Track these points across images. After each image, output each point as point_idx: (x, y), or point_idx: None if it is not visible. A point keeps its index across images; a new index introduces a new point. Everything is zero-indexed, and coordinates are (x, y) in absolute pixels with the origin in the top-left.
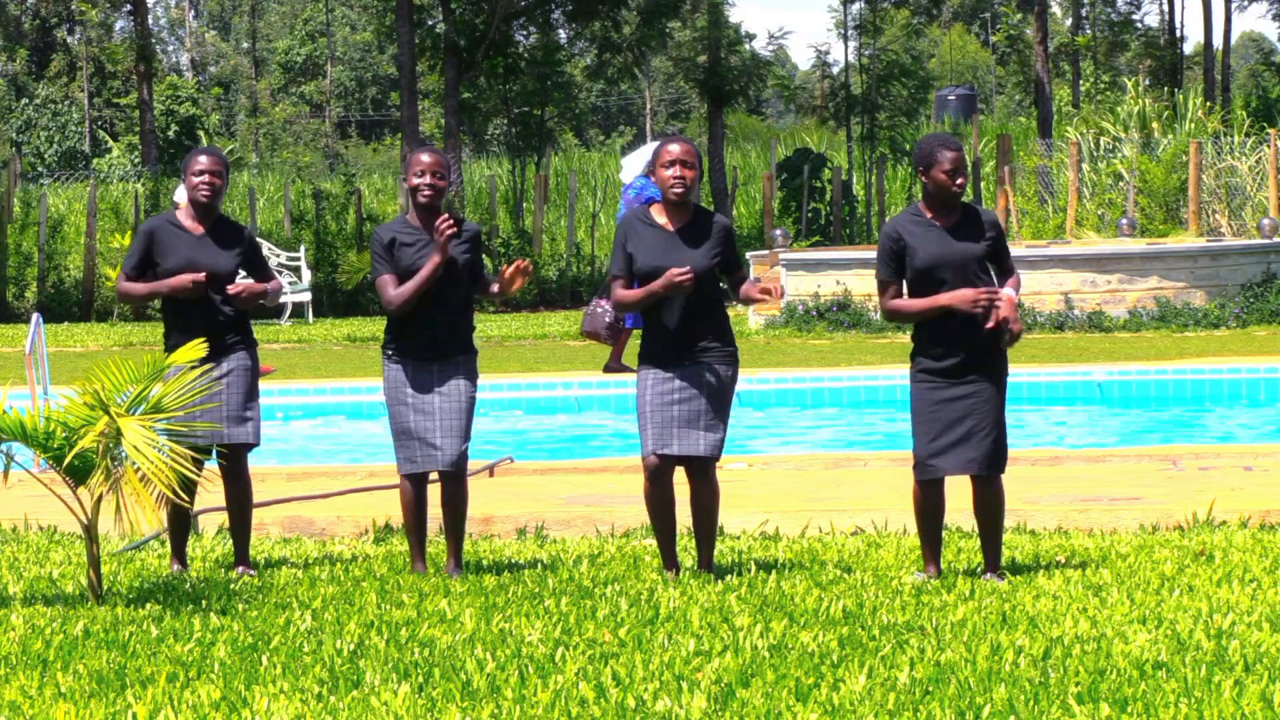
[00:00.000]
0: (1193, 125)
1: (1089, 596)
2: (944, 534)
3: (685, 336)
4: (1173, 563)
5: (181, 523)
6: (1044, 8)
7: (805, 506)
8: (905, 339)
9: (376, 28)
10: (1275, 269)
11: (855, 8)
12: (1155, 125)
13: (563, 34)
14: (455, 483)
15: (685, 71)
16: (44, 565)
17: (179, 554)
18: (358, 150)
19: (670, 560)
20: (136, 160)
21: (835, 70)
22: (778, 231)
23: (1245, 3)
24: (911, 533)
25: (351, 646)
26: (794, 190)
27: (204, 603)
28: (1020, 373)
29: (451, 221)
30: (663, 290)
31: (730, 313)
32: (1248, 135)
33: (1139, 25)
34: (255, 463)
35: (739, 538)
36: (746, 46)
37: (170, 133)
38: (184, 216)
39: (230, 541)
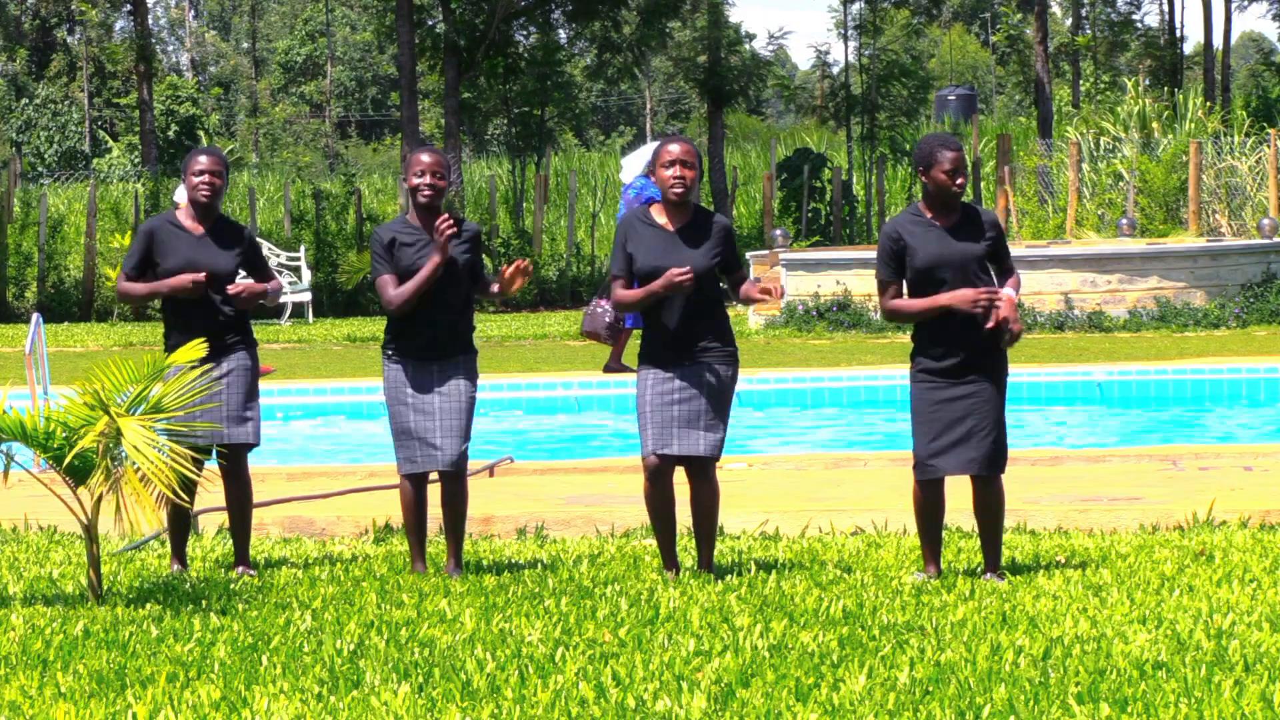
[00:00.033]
0: (1193, 125)
1: (1089, 596)
2: (944, 534)
3: (685, 336)
4: (1173, 563)
5: (181, 523)
6: (1044, 8)
7: (805, 506)
8: (905, 339)
9: (376, 28)
10: (1275, 269)
11: (855, 8)
12: (1155, 125)
13: (563, 34)
14: (455, 482)
15: (685, 71)
16: (44, 565)
17: (179, 554)
18: (358, 150)
19: (670, 560)
20: (136, 160)
21: (835, 70)
22: (778, 231)
23: (1245, 3)
24: (911, 533)
25: (351, 646)
26: (794, 190)
27: (204, 603)
28: (1020, 373)
29: (451, 221)
30: (663, 290)
31: (730, 313)
32: (1248, 135)
33: (1139, 25)
34: (255, 463)
35: (739, 538)
36: (746, 46)
37: (170, 133)
38: (184, 216)
39: (230, 541)
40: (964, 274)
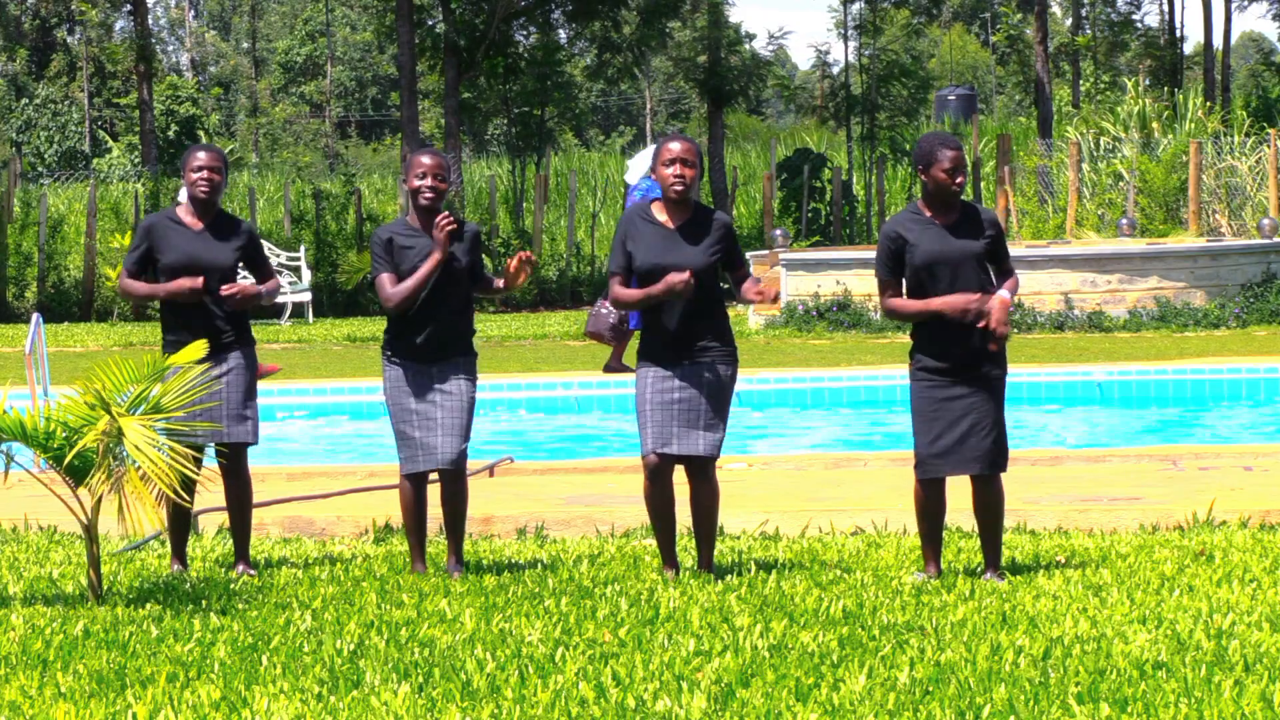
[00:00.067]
0: (1193, 125)
1: (1089, 596)
2: (944, 534)
3: (685, 336)
4: (1173, 563)
5: (182, 523)
6: (1044, 8)
7: (805, 506)
8: (905, 339)
9: (376, 28)
10: (1275, 269)
11: (855, 8)
12: (1155, 125)
13: (563, 34)
14: (455, 481)
15: (685, 71)
16: (44, 565)
17: (179, 554)
18: (358, 150)
19: (670, 560)
20: (136, 160)
21: (835, 70)
22: (778, 231)
23: (1245, 3)
24: (911, 533)
25: (351, 646)
26: (794, 190)
27: (204, 603)
28: (1020, 373)
29: (451, 219)
30: (661, 295)
31: (730, 313)
32: (1248, 135)
33: (1139, 25)
34: (255, 463)
35: (739, 538)
36: (746, 46)
37: (170, 133)
38: (184, 213)
39: (230, 541)
40: (962, 272)
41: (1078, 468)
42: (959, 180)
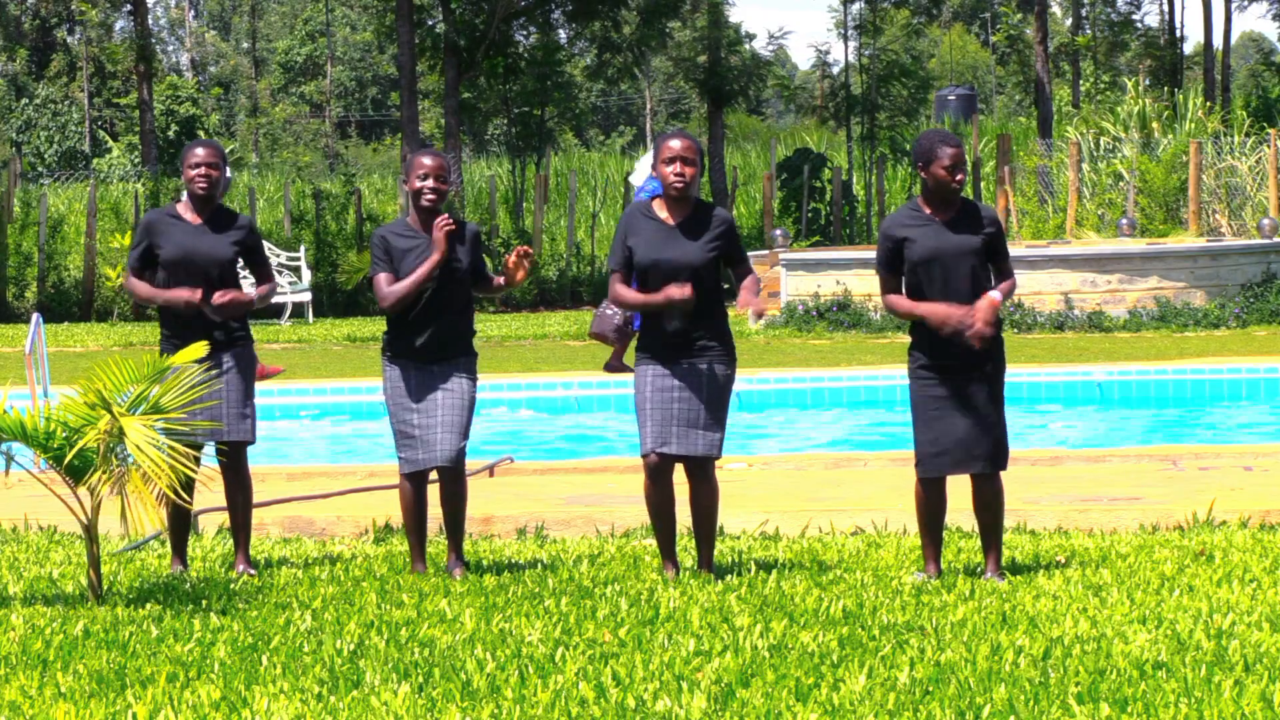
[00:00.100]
0: (1193, 125)
1: (1089, 596)
2: (944, 534)
3: (684, 334)
4: (1173, 563)
5: (182, 522)
6: (1044, 8)
7: (805, 506)
8: (905, 338)
9: (376, 28)
10: (1275, 269)
11: (855, 8)
12: (1155, 125)
13: (563, 34)
14: (454, 481)
15: (685, 71)
16: (44, 565)
17: (179, 554)
18: (358, 150)
19: (670, 560)
20: (136, 160)
21: (835, 70)
22: (778, 231)
23: (1245, 3)
24: (911, 533)
25: (351, 646)
26: (794, 190)
27: (204, 603)
28: (1020, 373)
29: (451, 220)
30: (660, 305)
31: (730, 312)
32: (1248, 135)
33: (1139, 25)
34: (255, 463)
35: (739, 538)
36: (746, 46)
37: (170, 133)
38: (184, 209)
39: (230, 541)
40: (957, 269)
41: (1078, 468)
42: (959, 177)
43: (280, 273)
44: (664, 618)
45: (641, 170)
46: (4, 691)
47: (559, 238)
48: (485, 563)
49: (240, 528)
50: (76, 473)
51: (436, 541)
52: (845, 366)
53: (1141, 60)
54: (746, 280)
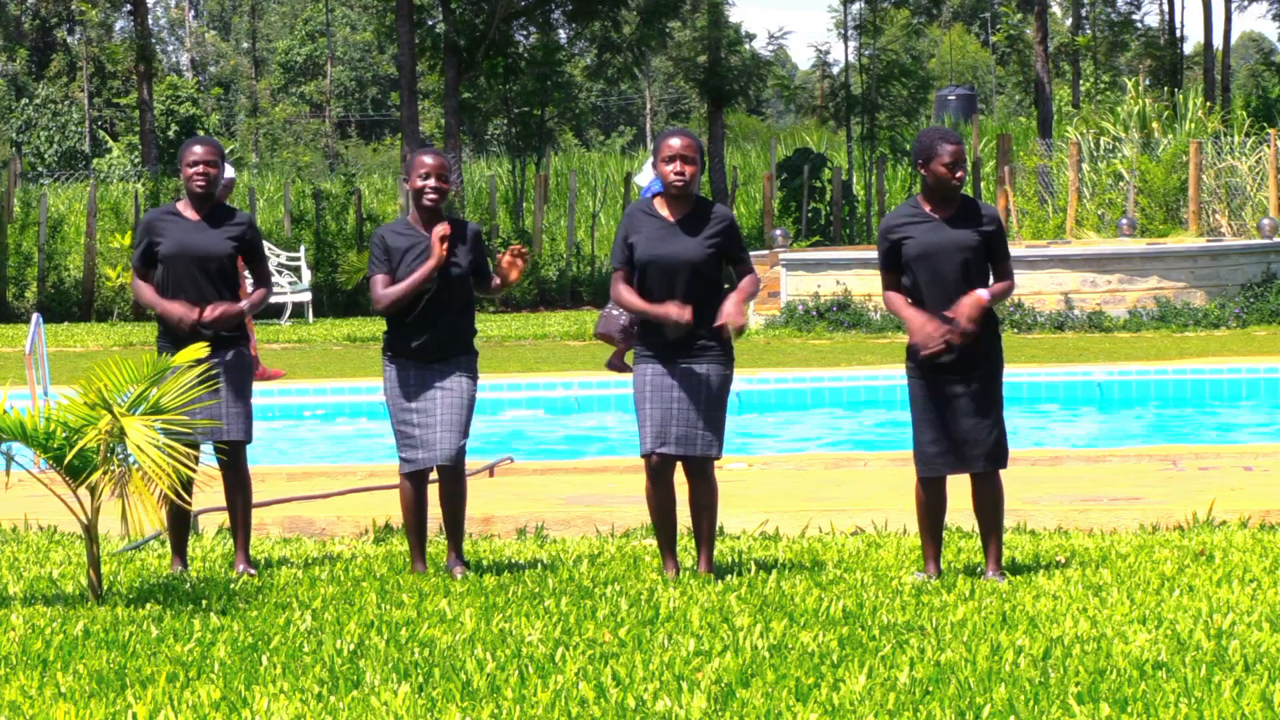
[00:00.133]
0: (1193, 125)
1: (1089, 596)
2: (944, 534)
3: (684, 333)
4: (1173, 563)
5: (181, 522)
6: (1044, 8)
7: (805, 506)
8: (905, 338)
9: (376, 28)
10: (1275, 269)
11: (855, 8)
12: (1155, 125)
13: (563, 34)
14: (454, 481)
15: (685, 71)
16: (44, 565)
17: (179, 554)
18: (358, 150)
19: (670, 560)
20: (136, 160)
21: (835, 70)
22: (778, 231)
23: (1245, 3)
24: (911, 533)
25: (351, 646)
26: (794, 190)
27: (204, 603)
28: (1020, 373)
29: (449, 229)
30: (656, 317)
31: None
32: (1248, 135)
33: (1139, 25)
34: (255, 463)
35: (739, 538)
36: (746, 46)
37: (170, 133)
38: (184, 207)
39: (230, 541)
40: (949, 265)
41: (1078, 468)
42: (959, 175)
43: (280, 273)
44: (664, 618)
45: (648, 171)
46: (4, 691)
47: (559, 238)
48: (485, 563)
49: (240, 528)
50: (76, 473)
51: (436, 541)
52: (845, 366)
53: (1141, 60)
54: (744, 281)
